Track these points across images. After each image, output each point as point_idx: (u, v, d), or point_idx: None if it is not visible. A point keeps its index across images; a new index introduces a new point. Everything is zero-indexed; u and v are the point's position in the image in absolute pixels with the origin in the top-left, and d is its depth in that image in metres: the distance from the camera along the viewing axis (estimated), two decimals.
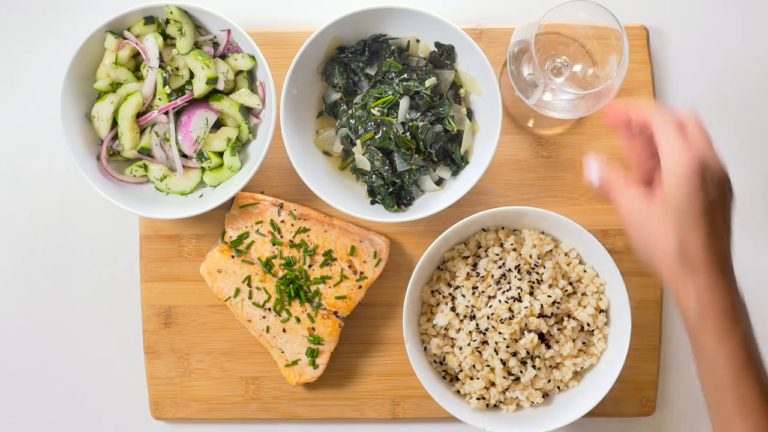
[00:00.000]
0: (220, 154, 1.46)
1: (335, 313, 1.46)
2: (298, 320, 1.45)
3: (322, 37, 1.42)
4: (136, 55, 1.45)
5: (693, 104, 1.53)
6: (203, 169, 1.47)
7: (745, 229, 1.52)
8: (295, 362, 1.46)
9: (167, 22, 1.43)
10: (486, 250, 1.45)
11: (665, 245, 1.18)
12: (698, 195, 1.17)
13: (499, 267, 1.43)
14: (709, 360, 1.20)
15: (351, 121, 1.44)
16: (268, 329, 1.46)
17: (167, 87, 1.43)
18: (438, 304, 1.44)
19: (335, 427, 1.53)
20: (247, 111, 1.47)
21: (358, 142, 1.44)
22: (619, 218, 1.24)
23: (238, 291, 1.46)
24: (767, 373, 1.21)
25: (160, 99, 1.43)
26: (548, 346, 1.42)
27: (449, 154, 1.46)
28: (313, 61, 1.44)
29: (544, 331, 1.40)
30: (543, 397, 1.44)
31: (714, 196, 1.18)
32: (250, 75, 1.46)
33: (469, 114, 1.46)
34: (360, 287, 1.46)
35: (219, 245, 1.48)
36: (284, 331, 1.46)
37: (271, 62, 1.44)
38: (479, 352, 1.41)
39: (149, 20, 1.43)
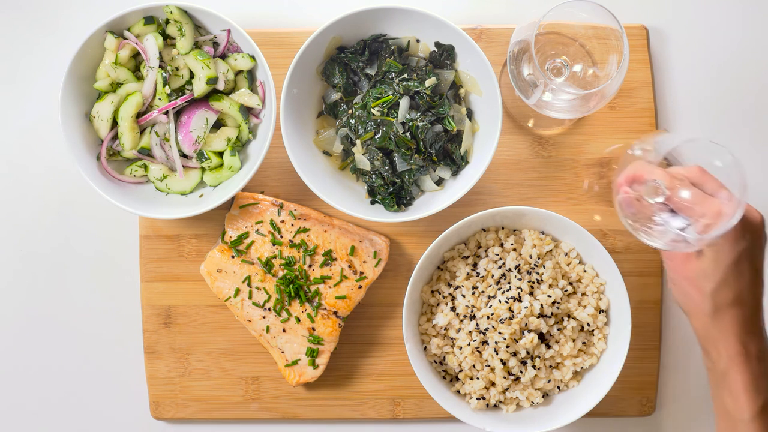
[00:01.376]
0: (220, 154, 1.46)
1: (335, 313, 1.46)
2: (298, 320, 1.46)
3: (322, 37, 1.42)
4: (136, 55, 1.45)
5: (693, 104, 1.53)
6: (203, 169, 1.47)
7: None
8: (295, 362, 1.46)
9: (167, 22, 1.43)
10: (486, 250, 1.45)
11: (701, 299, 1.25)
12: (735, 249, 1.23)
13: (499, 267, 1.43)
14: (729, 415, 1.26)
15: (351, 121, 1.44)
16: (268, 329, 1.46)
17: (167, 87, 1.43)
18: (438, 304, 1.44)
19: (335, 427, 1.53)
20: (247, 111, 1.47)
21: (358, 142, 1.44)
22: (663, 257, 1.29)
23: (238, 291, 1.46)
24: None
25: (160, 99, 1.43)
26: (548, 346, 1.42)
27: (449, 154, 1.46)
28: (313, 61, 1.44)
29: (544, 331, 1.40)
30: (543, 397, 1.44)
31: (748, 245, 1.24)
32: (250, 75, 1.46)
33: (469, 114, 1.46)
34: (360, 287, 1.46)
35: (219, 245, 1.48)
36: (284, 331, 1.46)
37: (271, 62, 1.44)
38: (479, 352, 1.41)
39: (149, 20, 1.43)
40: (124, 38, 1.43)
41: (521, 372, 1.41)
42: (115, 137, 1.45)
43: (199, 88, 1.43)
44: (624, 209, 1.26)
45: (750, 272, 1.25)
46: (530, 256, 1.42)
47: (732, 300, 1.24)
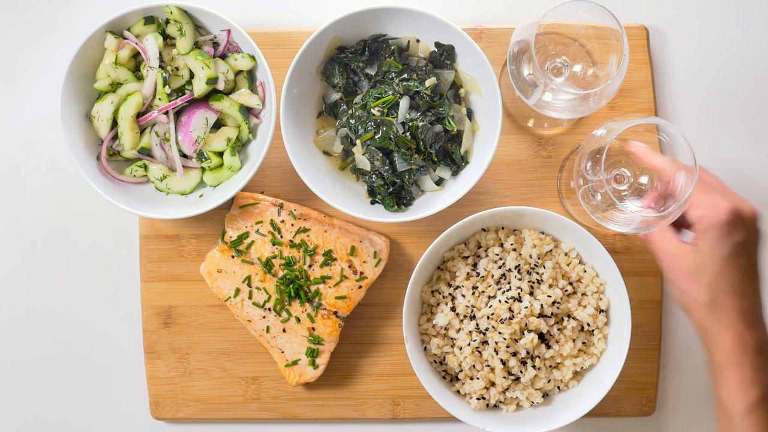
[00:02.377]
0: (220, 154, 1.46)
1: (335, 313, 1.46)
2: (298, 320, 1.46)
3: (322, 37, 1.42)
4: (136, 55, 1.45)
5: (693, 104, 1.53)
6: (203, 169, 1.47)
7: None
8: (295, 362, 1.46)
9: (167, 22, 1.43)
10: (486, 250, 1.45)
11: (698, 293, 1.27)
12: (729, 243, 1.25)
13: (499, 267, 1.43)
14: (726, 408, 1.27)
15: (351, 121, 1.44)
16: (268, 329, 1.46)
17: (167, 87, 1.43)
18: (438, 304, 1.44)
19: (335, 427, 1.53)
20: (247, 111, 1.47)
21: (358, 142, 1.44)
22: (655, 255, 1.31)
23: (238, 291, 1.46)
24: None
25: (160, 99, 1.43)
26: (548, 346, 1.42)
27: (449, 154, 1.46)
28: (313, 61, 1.44)
29: (544, 331, 1.40)
30: (543, 397, 1.44)
31: (743, 239, 1.26)
32: (250, 75, 1.46)
33: (469, 114, 1.46)
34: (360, 287, 1.46)
35: (219, 245, 1.48)
36: (284, 331, 1.46)
37: (271, 62, 1.44)
38: (479, 352, 1.41)
39: (149, 20, 1.43)
40: (124, 38, 1.43)
41: (521, 372, 1.41)
42: (115, 137, 1.45)
43: (199, 88, 1.43)
44: (589, 200, 1.30)
45: (746, 265, 1.26)
46: (530, 256, 1.42)
47: (728, 292, 1.25)
